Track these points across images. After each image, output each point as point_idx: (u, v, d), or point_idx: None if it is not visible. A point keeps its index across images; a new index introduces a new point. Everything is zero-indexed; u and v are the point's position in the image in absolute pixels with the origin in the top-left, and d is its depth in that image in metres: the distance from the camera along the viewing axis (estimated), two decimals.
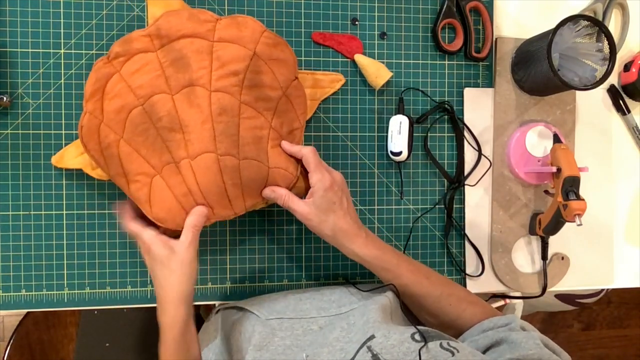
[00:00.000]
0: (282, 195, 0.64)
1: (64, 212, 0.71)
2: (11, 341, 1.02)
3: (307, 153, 0.64)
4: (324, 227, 0.63)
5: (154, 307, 0.74)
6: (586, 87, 0.72)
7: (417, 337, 0.54)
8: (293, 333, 0.63)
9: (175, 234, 0.62)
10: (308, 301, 0.69)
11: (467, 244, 0.80)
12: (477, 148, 0.80)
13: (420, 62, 0.79)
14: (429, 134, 0.79)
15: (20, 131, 0.69)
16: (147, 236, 0.60)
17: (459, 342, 0.54)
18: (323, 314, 0.66)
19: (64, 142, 0.70)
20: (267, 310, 0.67)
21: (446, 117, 0.80)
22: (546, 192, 0.80)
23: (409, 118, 0.75)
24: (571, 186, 0.71)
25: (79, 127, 0.63)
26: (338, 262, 0.77)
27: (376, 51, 0.78)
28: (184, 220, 0.62)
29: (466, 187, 0.80)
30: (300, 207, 0.63)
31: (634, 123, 0.85)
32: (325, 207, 0.62)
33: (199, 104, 0.63)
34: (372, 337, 0.54)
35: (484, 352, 0.58)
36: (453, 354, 0.51)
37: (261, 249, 0.75)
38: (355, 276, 0.78)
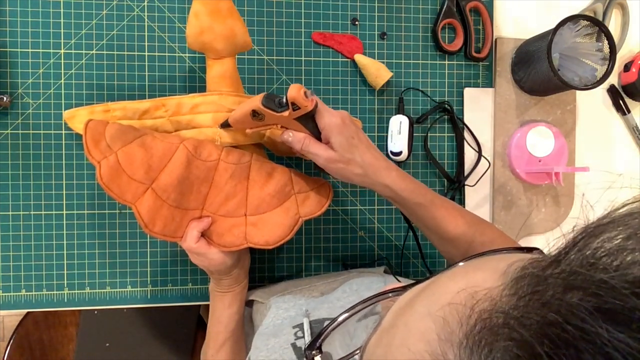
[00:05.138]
0: (300, 140, 0.57)
1: (64, 212, 0.71)
2: (11, 341, 1.02)
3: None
4: (353, 167, 0.56)
5: (154, 307, 0.74)
6: (586, 87, 0.72)
7: None
8: (296, 304, 0.64)
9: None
10: (307, 279, 0.72)
11: None
12: (477, 148, 0.80)
13: (420, 62, 0.79)
14: (429, 134, 0.79)
15: (20, 131, 0.69)
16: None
17: None
18: (324, 281, 0.68)
19: (64, 142, 0.70)
20: (267, 294, 0.69)
21: (446, 117, 0.80)
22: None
23: (409, 118, 0.75)
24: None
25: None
26: (338, 263, 0.77)
27: (376, 51, 0.78)
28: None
29: (466, 187, 0.80)
30: (322, 151, 0.57)
31: (634, 123, 0.85)
32: (346, 145, 0.56)
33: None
34: None
35: None
36: None
37: (260, 249, 0.75)
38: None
